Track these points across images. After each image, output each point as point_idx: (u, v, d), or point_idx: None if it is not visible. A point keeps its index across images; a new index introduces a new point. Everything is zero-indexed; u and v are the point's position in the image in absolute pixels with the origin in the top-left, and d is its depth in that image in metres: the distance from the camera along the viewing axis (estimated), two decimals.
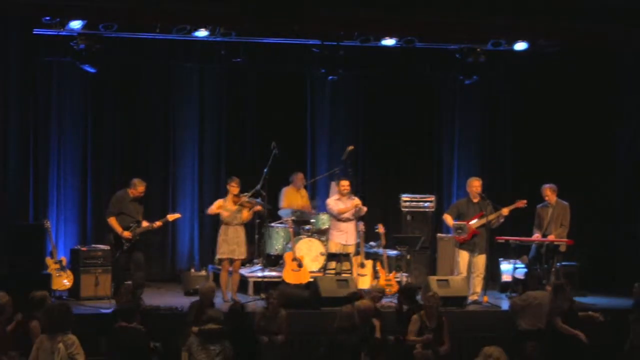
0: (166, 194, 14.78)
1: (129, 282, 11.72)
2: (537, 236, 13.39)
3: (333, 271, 12.98)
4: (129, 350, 9.06)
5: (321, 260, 13.30)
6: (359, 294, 10.72)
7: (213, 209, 12.73)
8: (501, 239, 13.35)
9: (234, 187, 12.64)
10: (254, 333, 10.14)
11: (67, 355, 7.55)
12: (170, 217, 12.74)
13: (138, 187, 12.32)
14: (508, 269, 13.89)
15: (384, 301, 12.44)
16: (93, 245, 13.35)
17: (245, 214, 12.69)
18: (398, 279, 13.24)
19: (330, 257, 13.13)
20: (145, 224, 12.33)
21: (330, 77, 14.47)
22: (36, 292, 9.27)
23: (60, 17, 12.65)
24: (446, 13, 12.89)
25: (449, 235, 13.72)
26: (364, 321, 9.60)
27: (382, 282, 12.99)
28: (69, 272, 12.72)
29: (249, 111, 15.20)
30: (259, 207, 12.80)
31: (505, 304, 12.72)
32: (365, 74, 15.26)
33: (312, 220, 13.86)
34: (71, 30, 12.92)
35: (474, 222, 12.88)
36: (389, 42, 13.91)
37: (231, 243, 12.54)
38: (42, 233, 12.75)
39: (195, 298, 10.97)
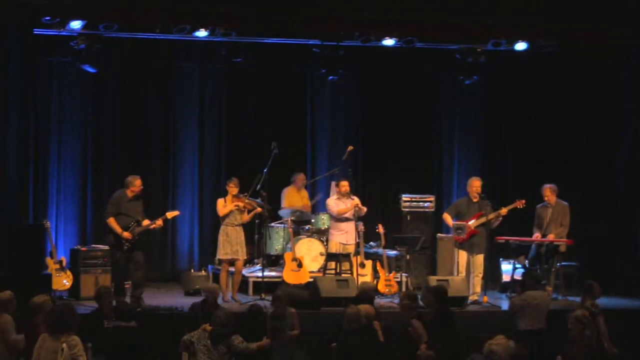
0: (166, 194, 14.77)
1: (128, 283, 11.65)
2: (537, 236, 13.39)
3: (333, 271, 12.98)
4: (124, 349, 9.02)
5: (321, 261, 13.29)
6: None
7: (223, 210, 12.66)
8: (501, 239, 13.36)
9: (232, 188, 12.65)
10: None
11: (70, 356, 7.52)
12: (169, 214, 12.67)
13: (135, 183, 12.20)
14: (508, 269, 13.88)
15: (384, 301, 12.47)
16: (93, 245, 13.34)
17: (245, 216, 12.72)
18: (398, 279, 13.23)
19: (330, 257, 13.13)
20: (146, 222, 12.28)
21: (331, 77, 14.45)
22: None
23: (60, 17, 12.62)
24: (446, 13, 12.91)
25: (449, 235, 13.70)
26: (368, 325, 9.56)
27: (382, 282, 12.99)
28: (68, 272, 12.70)
29: (249, 111, 15.19)
30: (259, 210, 12.81)
31: (505, 304, 12.71)
32: (365, 74, 15.25)
33: (312, 220, 13.86)
34: (71, 30, 12.91)
35: (473, 222, 12.89)
36: (389, 42, 13.88)
37: (234, 244, 12.60)
38: (42, 233, 12.74)
39: (196, 299, 10.95)
